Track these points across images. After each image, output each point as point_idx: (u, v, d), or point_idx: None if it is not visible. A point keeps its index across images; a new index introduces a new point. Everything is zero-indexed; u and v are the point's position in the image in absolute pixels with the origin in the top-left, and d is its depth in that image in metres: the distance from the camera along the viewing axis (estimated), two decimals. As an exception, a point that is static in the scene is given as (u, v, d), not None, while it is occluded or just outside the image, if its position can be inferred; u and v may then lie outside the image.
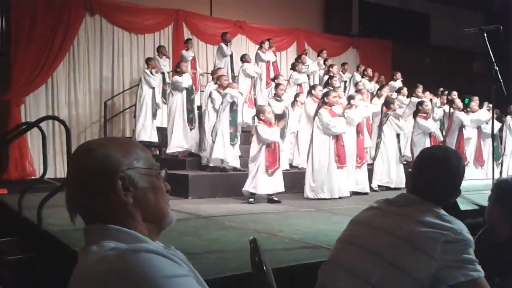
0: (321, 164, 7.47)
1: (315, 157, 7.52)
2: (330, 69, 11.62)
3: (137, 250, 1.10)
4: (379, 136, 8.91)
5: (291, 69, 11.25)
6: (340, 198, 7.47)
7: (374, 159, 8.92)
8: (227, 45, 11.47)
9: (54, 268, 3.98)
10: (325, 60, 12.44)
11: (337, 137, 7.63)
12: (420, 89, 10.97)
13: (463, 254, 1.79)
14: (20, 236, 4.79)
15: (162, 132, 10.26)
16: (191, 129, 9.05)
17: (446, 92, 11.62)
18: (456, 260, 1.78)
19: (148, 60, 10.40)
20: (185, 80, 8.98)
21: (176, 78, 9.06)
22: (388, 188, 8.62)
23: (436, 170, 2.01)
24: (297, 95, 9.50)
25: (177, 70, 9.35)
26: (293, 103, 9.25)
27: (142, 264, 1.06)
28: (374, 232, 1.96)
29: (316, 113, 7.71)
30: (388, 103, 9.08)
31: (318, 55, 12.77)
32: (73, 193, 1.23)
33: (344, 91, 11.29)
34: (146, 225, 1.24)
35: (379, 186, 8.74)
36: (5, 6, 10.00)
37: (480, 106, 10.62)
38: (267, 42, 11.57)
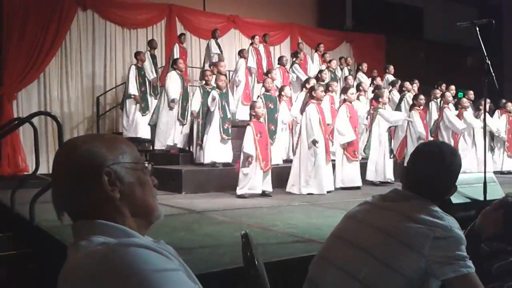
0: (309, 158, 7.46)
1: (303, 151, 7.51)
2: (329, 64, 11.71)
3: (127, 244, 1.09)
4: (370, 130, 8.89)
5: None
6: (326, 192, 7.44)
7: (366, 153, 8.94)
8: (216, 42, 11.48)
9: (47, 264, 3.97)
10: (323, 54, 12.50)
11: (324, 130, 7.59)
12: (408, 84, 10.94)
13: (453, 250, 1.78)
14: (12, 232, 4.77)
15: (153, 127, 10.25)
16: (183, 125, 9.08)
17: (447, 86, 11.62)
18: (446, 256, 1.77)
19: (136, 54, 10.33)
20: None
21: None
22: (383, 183, 8.62)
23: (429, 166, 2.00)
24: (281, 89, 9.43)
25: (173, 66, 9.33)
26: (280, 96, 9.17)
27: (132, 259, 1.06)
28: (364, 228, 1.96)
29: (304, 108, 7.70)
30: (377, 97, 9.06)
31: (316, 50, 12.83)
32: (60, 190, 1.22)
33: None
34: (134, 219, 1.24)
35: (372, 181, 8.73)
36: (-3, 1, 9.93)
37: (476, 100, 10.71)
38: (257, 37, 11.58)
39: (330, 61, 11.98)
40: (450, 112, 9.60)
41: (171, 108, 8.96)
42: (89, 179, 1.18)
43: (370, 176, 8.67)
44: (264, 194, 7.10)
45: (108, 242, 1.11)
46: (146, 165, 1.31)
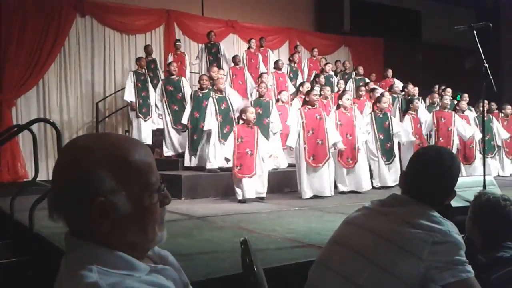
0: (302, 163, 7.46)
1: (301, 156, 7.51)
2: (324, 67, 11.72)
3: None
4: (368, 134, 8.86)
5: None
6: (321, 197, 7.43)
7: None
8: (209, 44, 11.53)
9: (46, 271, 3.96)
10: (320, 59, 12.54)
11: (314, 135, 7.56)
12: (411, 87, 10.96)
13: (452, 255, 1.79)
14: (12, 239, 4.76)
15: (155, 133, 10.24)
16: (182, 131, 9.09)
17: (442, 88, 11.63)
18: (445, 261, 1.78)
19: (137, 60, 10.33)
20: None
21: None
22: (383, 187, 8.59)
23: (428, 171, 2.01)
24: (279, 94, 9.44)
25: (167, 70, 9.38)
26: (277, 101, 9.17)
27: None
28: (363, 233, 1.96)
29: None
30: (378, 101, 9.05)
31: (312, 55, 12.86)
32: (53, 197, 1.11)
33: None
34: (127, 248, 1.11)
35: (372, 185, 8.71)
36: (-5, 8, 9.94)
37: (472, 103, 10.73)
38: (253, 41, 11.59)
39: (325, 64, 11.97)
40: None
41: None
42: (79, 204, 1.05)
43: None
44: (257, 198, 7.09)
45: (99, 284, 1.01)
46: (158, 186, 1.14)
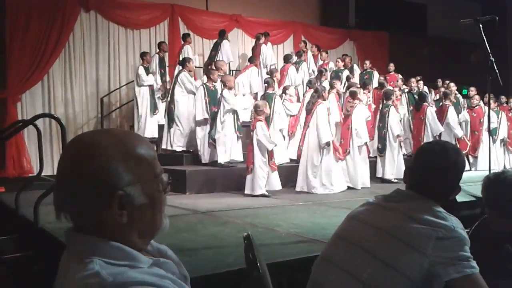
0: (317, 157, 7.44)
1: (310, 151, 7.48)
2: (336, 62, 11.76)
3: (123, 284, 1.01)
4: (382, 128, 8.86)
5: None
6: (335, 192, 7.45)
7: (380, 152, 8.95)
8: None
9: (51, 266, 3.96)
10: (321, 54, 12.49)
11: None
12: (413, 81, 10.99)
13: (457, 251, 1.77)
14: (17, 234, 4.78)
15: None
16: None
17: (447, 82, 11.61)
18: (449, 257, 1.76)
19: (143, 55, 10.30)
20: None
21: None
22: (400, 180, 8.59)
23: (433, 166, 1.99)
24: (285, 88, 9.39)
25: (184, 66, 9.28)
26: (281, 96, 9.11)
27: None
28: (367, 228, 1.95)
29: (312, 108, 7.69)
30: (388, 95, 9.05)
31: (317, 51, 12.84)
32: (62, 196, 1.10)
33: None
34: (138, 238, 1.15)
35: (381, 178, 8.73)
36: (0, 3, 9.94)
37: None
38: (263, 38, 11.54)
39: (334, 61, 12.01)
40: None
41: None
42: (97, 199, 1.06)
43: (387, 174, 8.70)
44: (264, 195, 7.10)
45: (102, 277, 1.01)
46: (164, 178, 1.19)
